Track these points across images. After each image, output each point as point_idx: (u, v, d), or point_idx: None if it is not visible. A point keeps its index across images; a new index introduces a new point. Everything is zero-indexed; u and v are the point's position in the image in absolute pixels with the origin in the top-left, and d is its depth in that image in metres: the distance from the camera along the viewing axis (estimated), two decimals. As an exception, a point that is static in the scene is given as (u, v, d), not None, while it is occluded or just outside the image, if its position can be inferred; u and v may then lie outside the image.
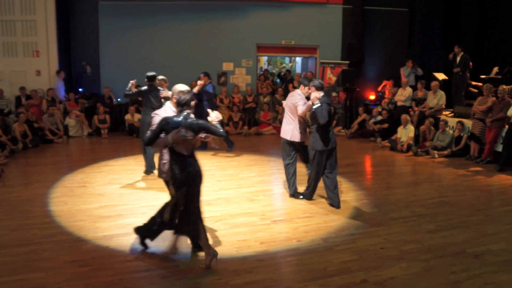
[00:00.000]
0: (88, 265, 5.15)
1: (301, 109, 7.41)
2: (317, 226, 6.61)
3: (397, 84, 15.33)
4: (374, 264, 5.32)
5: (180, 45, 16.33)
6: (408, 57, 15.91)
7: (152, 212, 6.97)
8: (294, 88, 15.79)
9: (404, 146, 12.26)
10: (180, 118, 4.89)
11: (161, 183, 8.65)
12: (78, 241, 5.89)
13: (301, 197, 7.83)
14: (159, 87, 9.21)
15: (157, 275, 4.98)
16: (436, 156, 11.60)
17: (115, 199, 7.70)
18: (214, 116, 5.10)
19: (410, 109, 13.88)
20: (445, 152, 11.67)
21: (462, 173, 10.15)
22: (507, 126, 10.61)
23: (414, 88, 14.34)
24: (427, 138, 12.46)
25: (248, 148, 12.64)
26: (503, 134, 10.73)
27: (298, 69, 21.02)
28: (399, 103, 14.20)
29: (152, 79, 9.25)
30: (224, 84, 16.74)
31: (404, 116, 12.74)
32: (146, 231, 5.55)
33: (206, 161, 9.33)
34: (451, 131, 12.09)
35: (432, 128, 12.47)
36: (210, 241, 5.54)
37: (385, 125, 14.13)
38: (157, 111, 5.19)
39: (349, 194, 8.25)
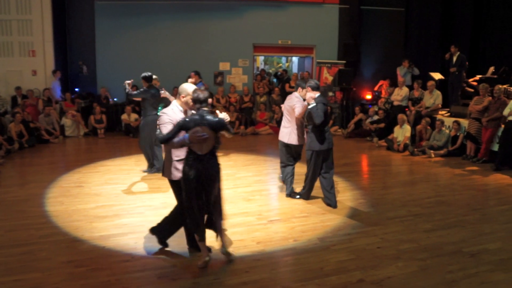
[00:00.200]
0: (85, 265, 5.14)
1: (298, 110, 7.45)
2: (314, 225, 6.61)
3: (394, 84, 15.34)
4: (371, 264, 5.33)
5: (176, 44, 16.32)
6: (405, 56, 15.94)
7: (148, 212, 7.02)
8: (291, 88, 15.90)
9: (400, 145, 12.28)
10: (197, 117, 4.91)
11: (157, 183, 8.69)
12: (74, 241, 5.88)
13: (298, 196, 7.83)
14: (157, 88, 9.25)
15: (153, 275, 4.97)
16: (433, 155, 11.62)
17: (111, 199, 7.69)
18: (223, 117, 5.16)
19: (407, 109, 13.90)
20: (442, 152, 11.69)
21: (458, 173, 10.17)
22: (503, 126, 10.64)
23: (411, 87, 14.37)
24: (423, 137, 12.48)
25: (245, 148, 12.64)
26: (499, 133, 10.76)
27: (295, 69, 21.01)
28: (395, 103, 14.22)
29: (151, 79, 9.25)
30: (220, 84, 16.72)
31: (401, 116, 12.76)
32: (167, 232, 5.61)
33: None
34: (447, 131, 12.11)
35: (429, 127, 12.49)
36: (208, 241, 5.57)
37: (382, 125, 14.14)
38: (164, 110, 5.15)
39: (345, 193, 8.26)
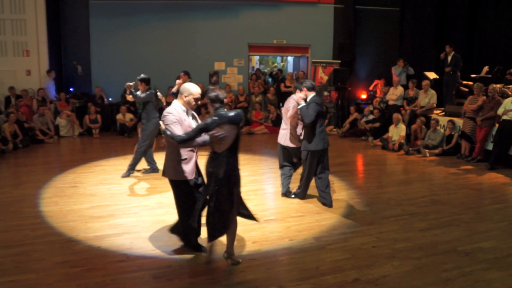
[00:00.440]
0: (80, 266, 5.13)
1: (289, 112, 7.50)
2: (309, 225, 6.61)
3: (389, 83, 15.38)
4: (366, 263, 5.34)
5: (171, 44, 16.31)
6: (399, 56, 16.00)
7: (144, 212, 7.00)
8: (286, 87, 15.94)
9: (395, 145, 12.30)
10: (217, 117, 4.93)
11: (152, 183, 8.69)
12: (69, 242, 5.86)
13: (293, 196, 7.83)
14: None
15: (149, 275, 4.96)
16: (428, 154, 11.65)
17: (106, 199, 7.67)
18: None
19: (402, 108, 13.93)
20: (436, 151, 11.72)
21: (453, 172, 10.19)
22: (497, 125, 10.68)
23: (406, 87, 14.39)
24: (418, 137, 12.51)
25: (240, 148, 12.60)
26: (494, 132, 10.80)
27: (290, 69, 21.03)
28: (390, 102, 14.24)
29: (150, 81, 9.20)
30: (215, 83, 16.69)
31: (396, 115, 12.78)
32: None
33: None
34: (442, 130, 12.14)
35: (424, 127, 12.52)
36: (201, 241, 5.57)
37: (377, 124, 14.17)
38: (169, 110, 5.10)
39: (341, 193, 8.26)
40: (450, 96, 13.67)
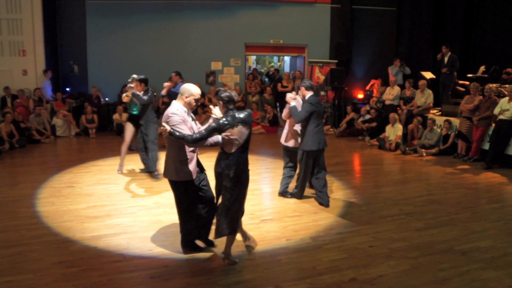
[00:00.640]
0: (76, 266, 5.12)
1: (283, 113, 7.54)
2: (306, 225, 6.61)
3: (385, 83, 15.41)
4: (363, 262, 5.34)
5: (168, 44, 16.30)
6: (396, 56, 16.02)
7: (140, 212, 6.99)
8: (283, 87, 15.95)
9: (392, 144, 12.32)
10: (230, 118, 4.99)
11: (149, 183, 8.68)
12: (66, 242, 5.84)
13: (290, 196, 7.84)
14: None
15: (146, 275, 4.96)
16: (424, 154, 11.67)
17: (103, 199, 7.65)
18: (218, 112, 5.28)
19: (398, 108, 13.96)
20: (433, 151, 11.74)
21: (449, 171, 10.21)
22: (493, 124, 10.71)
23: (402, 87, 14.42)
24: (415, 136, 12.54)
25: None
26: (490, 132, 10.83)
27: (287, 68, 21.06)
28: (387, 102, 14.27)
29: (148, 82, 9.20)
30: (212, 83, 16.72)
31: (392, 115, 12.80)
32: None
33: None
34: (438, 130, 12.17)
35: (420, 126, 12.54)
36: (199, 241, 5.57)
37: (374, 124, 14.19)
38: (173, 111, 5.07)
39: (337, 192, 8.27)
40: (446, 96, 13.70)
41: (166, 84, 9.73)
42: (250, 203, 7.44)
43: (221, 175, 5.07)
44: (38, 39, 15.29)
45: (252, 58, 22.17)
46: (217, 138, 4.97)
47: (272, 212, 7.17)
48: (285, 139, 7.79)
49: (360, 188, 8.78)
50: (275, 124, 15.84)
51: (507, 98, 10.43)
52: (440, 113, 13.24)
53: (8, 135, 11.97)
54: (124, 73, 10.18)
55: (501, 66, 13.32)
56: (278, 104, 16.55)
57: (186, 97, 5.17)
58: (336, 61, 16.89)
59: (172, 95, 10.28)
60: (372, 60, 17.69)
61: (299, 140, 7.57)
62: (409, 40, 17.55)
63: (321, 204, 7.45)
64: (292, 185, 8.01)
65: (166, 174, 5.30)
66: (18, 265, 5.13)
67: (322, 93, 16.41)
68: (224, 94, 5.06)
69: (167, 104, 5.63)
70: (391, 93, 14.15)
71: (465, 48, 16.43)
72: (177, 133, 4.90)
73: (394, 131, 12.51)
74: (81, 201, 7.52)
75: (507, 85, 11.34)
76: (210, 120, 5.33)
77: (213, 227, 5.35)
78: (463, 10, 16.48)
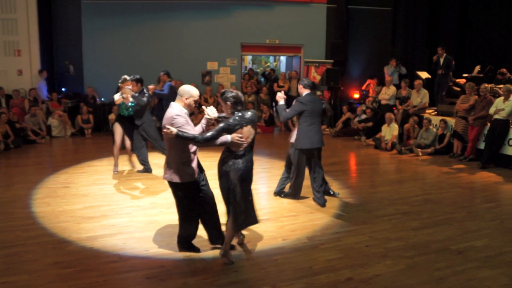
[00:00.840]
0: (72, 267, 5.11)
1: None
2: (303, 224, 6.62)
3: (381, 83, 15.44)
4: (359, 262, 5.35)
5: (164, 44, 16.27)
6: (392, 56, 16.05)
7: (136, 212, 6.98)
8: (279, 87, 15.95)
9: (388, 144, 12.34)
10: (238, 118, 5.08)
11: (145, 183, 8.67)
12: (61, 243, 5.83)
13: (282, 196, 7.85)
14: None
15: (142, 276, 4.95)
16: (420, 154, 11.69)
17: (99, 200, 7.64)
18: (211, 112, 5.36)
19: (394, 108, 13.98)
20: (429, 150, 11.77)
21: (445, 171, 10.24)
22: (489, 124, 10.74)
23: (398, 86, 14.44)
24: (411, 136, 12.56)
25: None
26: (485, 132, 10.85)
27: (283, 68, 21.04)
28: (383, 102, 14.28)
29: (143, 81, 9.20)
30: (208, 83, 16.69)
31: (388, 115, 12.82)
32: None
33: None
34: (434, 129, 12.19)
35: (416, 126, 12.57)
36: (196, 241, 5.57)
37: (370, 124, 14.20)
38: (178, 113, 5.05)
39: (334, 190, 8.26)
40: (440, 96, 13.75)
41: (151, 86, 9.63)
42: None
43: (228, 174, 5.12)
44: (33, 39, 15.24)
45: (248, 58, 22.16)
46: (226, 138, 5.01)
47: (268, 212, 7.17)
48: (291, 137, 7.79)
49: (356, 187, 8.79)
50: (271, 124, 15.84)
51: (502, 98, 10.46)
52: (435, 112, 13.28)
53: (3, 135, 11.93)
54: (119, 73, 10.09)
55: (496, 66, 13.37)
56: (274, 104, 16.54)
57: (186, 99, 5.15)
58: (332, 61, 16.91)
59: (157, 96, 10.22)
60: (368, 60, 17.72)
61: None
62: (405, 40, 17.59)
63: (318, 204, 7.46)
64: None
65: (168, 177, 5.24)
66: (14, 266, 5.11)
67: (318, 93, 16.42)
68: (231, 95, 5.13)
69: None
70: (387, 93, 14.16)
71: (460, 48, 16.50)
72: (186, 134, 4.92)
73: (390, 131, 12.54)
74: (77, 202, 7.51)
75: (502, 85, 11.38)
76: (203, 121, 5.35)
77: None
78: (458, 10, 16.55)
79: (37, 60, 15.35)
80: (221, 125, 5.00)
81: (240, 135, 5.04)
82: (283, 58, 21.27)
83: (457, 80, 14.04)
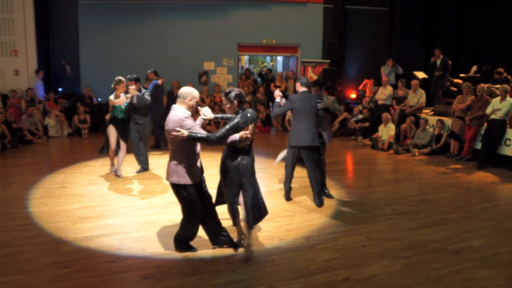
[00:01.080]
0: (69, 267, 5.10)
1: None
2: (299, 224, 6.62)
3: (378, 83, 15.45)
4: (356, 262, 5.35)
5: (160, 44, 16.26)
6: (389, 56, 16.05)
7: (133, 212, 6.97)
8: (276, 87, 15.96)
9: (385, 144, 12.35)
10: (243, 116, 5.25)
11: (142, 183, 8.66)
12: (58, 243, 5.82)
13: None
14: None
15: (138, 276, 4.95)
16: (417, 154, 11.71)
17: (95, 200, 7.63)
18: (207, 113, 5.48)
19: (391, 108, 13.99)
20: (426, 150, 11.79)
21: (442, 171, 10.25)
22: (486, 124, 10.76)
23: (395, 86, 14.46)
24: (407, 136, 12.57)
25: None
26: (482, 132, 10.88)
27: (279, 68, 21.06)
28: (380, 102, 14.29)
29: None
30: (205, 83, 16.69)
31: (385, 115, 12.83)
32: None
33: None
34: (431, 129, 12.21)
35: (413, 126, 12.58)
36: (194, 241, 5.57)
37: (366, 124, 14.22)
38: (184, 115, 5.05)
39: (330, 192, 8.25)
40: (436, 97, 13.78)
41: (133, 87, 9.49)
42: (243, 203, 7.44)
43: (238, 169, 5.27)
44: (30, 39, 15.20)
45: (245, 58, 22.15)
46: (235, 136, 5.12)
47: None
48: None
49: (353, 187, 8.80)
50: (268, 124, 15.84)
51: (499, 97, 10.49)
52: (432, 112, 13.30)
53: (0, 135, 11.90)
54: (116, 73, 10.06)
55: (493, 66, 13.40)
56: (271, 104, 16.55)
57: (190, 101, 5.18)
58: (328, 61, 16.91)
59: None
60: (364, 60, 17.73)
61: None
62: (402, 40, 17.62)
63: (315, 203, 7.47)
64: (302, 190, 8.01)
65: (175, 179, 5.19)
66: (10, 266, 5.10)
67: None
68: (235, 94, 5.31)
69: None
70: (384, 93, 14.17)
71: (457, 48, 16.52)
72: (199, 135, 4.98)
73: (386, 131, 12.55)
74: (74, 202, 7.50)
75: (498, 85, 11.40)
76: (198, 121, 5.36)
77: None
78: (455, 10, 16.58)
79: (34, 60, 15.32)
80: (232, 124, 5.12)
81: (247, 132, 5.18)
82: (280, 58, 21.28)
83: (454, 80, 14.06)
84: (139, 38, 16.12)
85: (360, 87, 16.79)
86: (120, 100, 8.90)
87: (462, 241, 6.06)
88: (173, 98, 15.16)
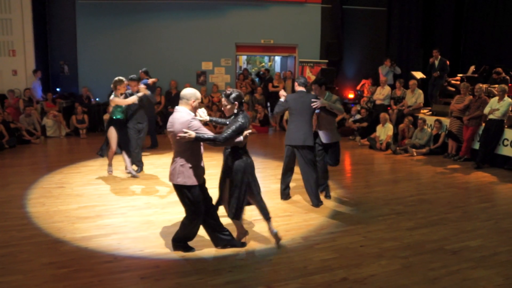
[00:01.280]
0: (67, 267, 5.10)
1: None
2: (297, 224, 6.62)
3: (376, 83, 15.46)
4: (354, 262, 5.36)
5: (158, 44, 16.24)
6: (386, 56, 16.06)
7: (131, 212, 6.97)
8: (274, 87, 15.98)
9: (383, 144, 12.36)
10: (244, 117, 5.43)
11: (140, 183, 8.65)
12: (56, 243, 5.82)
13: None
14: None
15: (137, 276, 4.94)
16: (415, 154, 11.72)
17: (93, 200, 7.63)
18: (203, 114, 5.55)
19: (389, 108, 13.99)
20: (424, 150, 11.79)
21: (440, 171, 10.26)
22: (483, 124, 10.77)
23: (393, 86, 14.45)
24: (405, 136, 12.58)
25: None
26: (480, 132, 10.89)
27: (277, 68, 21.06)
28: (377, 102, 14.29)
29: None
30: (203, 83, 16.68)
31: (383, 115, 12.84)
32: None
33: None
34: (429, 129, 12.22)
35: (411, 126, 12.59)
36: (192, 241, 5.57)
37: (364, 124, 14.21)
38: (190, 117, 5.06)
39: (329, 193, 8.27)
40: (434, 97, 13.79)
41: (143, 87, 9.50)
42: (241, 203, 7.44)
43: (244, 168, 5.45)
44: (28, 39, 15.18)
45: (243, 58, 22.15)
46: (240, 138, 5.29)
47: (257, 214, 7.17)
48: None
49: (351, 188, 8.80)
50: (266, 124, 15.84)
51: (497, 97, 10.50)
52: (430, 112, 13.31)
53: (-2, 135, 11.91)
54: (114, 74, 10.04)
55: (491, 66, 13.41)
56: (269, 104, 16.56)
57: (193, 102, 5.21)
58: (326, 61, 16.93)
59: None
60: (362, 60, 17.74)
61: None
62: (400, 40, 17.63)
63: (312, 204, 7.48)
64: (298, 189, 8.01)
65: (181, 180, 5.19)
66: (8, 266, 5.10)
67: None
68: (235, 95, 5.42)
69: None
70: (382, 93, 14.18)
71: (455, 48, 16.53)
72: (206, 136, 5.05)
73: (384, 131, 12.56)
74: (72, 202, 7.49)
75: (496, 85, 11.42)
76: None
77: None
78: (453, 10, 16.58)
79: (31, 60, 15.30)
80: (237, 125, 5.25)
81: (250, 131, 5.41)
82: (277, 58, 21.28)
83: (452, 80, 14.08)
84: (137, 38, 16.10)
85: (358, 87, 16.80)
86: (131, 99, 8.88)
87: (460, 241, 6.07)
88: (171, 98, 15.26)
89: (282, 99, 7.44)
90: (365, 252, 5.66)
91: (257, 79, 19.03)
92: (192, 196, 5.20)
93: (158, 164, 10.18)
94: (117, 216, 6.84)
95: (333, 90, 16.19)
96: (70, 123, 14.51)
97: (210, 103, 15.82)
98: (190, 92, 5.23)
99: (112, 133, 8.95)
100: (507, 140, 10.36)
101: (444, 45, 15.71)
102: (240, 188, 5.44)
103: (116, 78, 8.86)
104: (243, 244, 5.74)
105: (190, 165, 5.16)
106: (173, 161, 5.26)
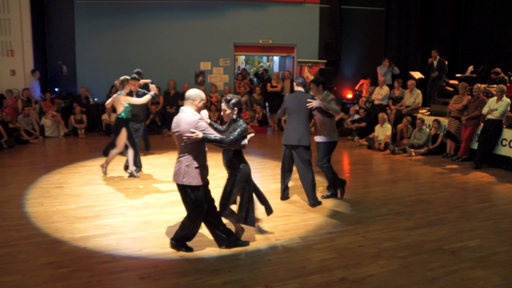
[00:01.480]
0: (66, 267, 5.10)
1: None
2: (296, 224, 6.63)
3: (374, 83, 15.47)
4: (353, 262, 5.36)
5: (157, 44, 16.24)
6: (385, 56, 16.07)
7: (129, 212, 6.97)
8: (272, 87, 15.97)
9: (381, 144, 12.36)
10: (245, 122, 5.55)
11: (138, 183, 8.65)
12: (55, 243, 5.81)
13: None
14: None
15: (135, 276, 4.94)
16: (413, 154, 11.72)
17: (92, 200, 7.62)
18: (205, 115, 5.56)
19: (387, 108, 14.00)
20: (422, 150, 11.80)
21: (438, 171, 10.27)
22: (482, 124, 10.78)
23: (391, 86, 14.48)
24: (404, 136, 12.59)
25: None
26: (479, 132, 10.90)
27: (276, 68, 21.05)
28: (376, 102, 14.31)
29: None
30: (201, 83, 16.66)
31: (381, 115, 12.84)
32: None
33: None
34: (427, 129, 12.23)
35: (409, 126, 12.60)
36: (191, 241, 5.58)
37: (363, 124, 14.21)
38: (197, 117, 5.09)
39: (327, 192, 8.26)
40: (432, 97, 13.80)
41: (154, 86, 9.61)
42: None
43: (247, 171, 5.61)
44: (27, 39, 15.16)
45: (241, 58, 22.15)
46: (245, 141, 5.40)
47: (261, 212, 7.12)
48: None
49: (349, 188, 8.79)
50: (264, 124, 15.84)
51: (495, 97, 10.51)
52: (429, 113, 13.31)
53: (-4, 135, 11.89)
54: (113, 73, 10.10)
55: (489, 66, 13.43)
56: (267, 104, 16.56)
57: (199, 103, 5.24)
58: (325, 61, 16.93)
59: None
60: (361, 60, 17.75)
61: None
62: (398, 40, 17.64)
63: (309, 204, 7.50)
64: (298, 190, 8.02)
65: (186, 180, 5.19)
66: (7, 266, 5.10)
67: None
68: (236, 101, 5.49)
69: None
70: (380, 93, 14.19)
71: (453, 48, 16.55)
72: (213, 137, 5.10)
73: (383, 131, 12.56)
74: (70, 202, 7.49)
75: (495, 85, 11.43)
76: None
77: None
78: (451, 10, 16.61)
79: (30, 60, 15.28)
80: (241, 128, 5.35)
81: (252, 135, 5.62)
82: (276, 58, 21.28)
83: (450, 81, 14.09)
84: (136, 38, 16.09)
85: (357, 87, 16.80)
86: (146, 98, 8.93)
87: (459, 241, 6.07)
88: (169, 98, 15.26)
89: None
90: (363, 252, 5.66)
91: (255, 79, 19.01)
92: (195, 197, 5.21)
93: (156, 164, 10.18)
94: (116, 216, 6.84)
95: (331, 90, 16.23)
96: (68, 123, 14.50)
97: (208, 103, 15.80)
98: (195, 93, 5.25)
99: (124, 134, 8.86)
100: (506, 140, 10.37)
101: (443, 45, 15.74)
102: (249, 191, 5.62)
103: (122, 78, 8.84)
104: (247, 243, 5.74)
105: (195, 166, 5.17)
106: (178, 161, 5.26)
